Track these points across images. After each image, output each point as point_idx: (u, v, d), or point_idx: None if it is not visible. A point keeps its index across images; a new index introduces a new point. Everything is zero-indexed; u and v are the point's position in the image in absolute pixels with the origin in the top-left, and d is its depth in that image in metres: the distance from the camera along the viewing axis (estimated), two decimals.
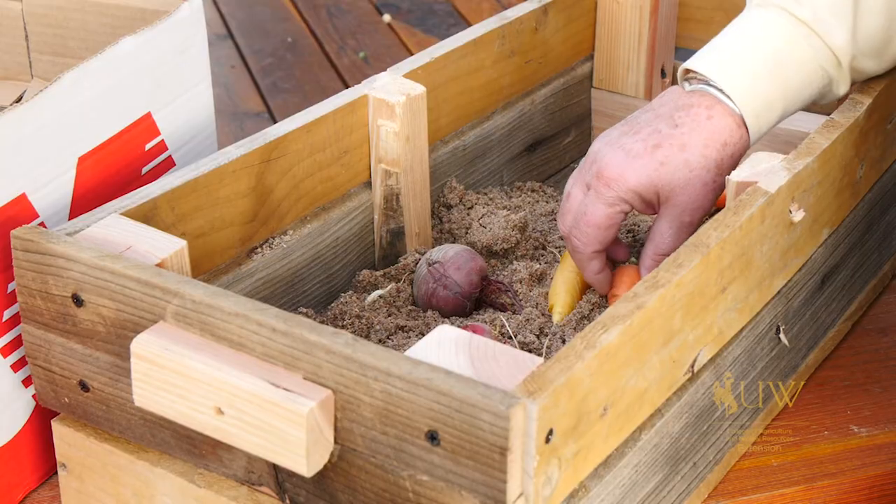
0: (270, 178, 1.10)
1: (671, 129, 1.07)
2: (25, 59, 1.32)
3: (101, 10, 1.24)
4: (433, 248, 1.23)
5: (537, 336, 1.11)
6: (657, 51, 1.46)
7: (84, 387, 0.95)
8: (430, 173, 1.24)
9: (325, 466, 0.85)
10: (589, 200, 1.08)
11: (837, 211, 1.12)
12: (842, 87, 1.13)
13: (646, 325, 0.87)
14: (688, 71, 1.12)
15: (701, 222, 1.10)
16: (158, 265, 0.92)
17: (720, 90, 1.08)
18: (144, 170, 1.12)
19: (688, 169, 1.06)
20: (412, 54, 1.57)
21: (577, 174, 1.11)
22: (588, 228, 1.08)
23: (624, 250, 1.16)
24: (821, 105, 1.17)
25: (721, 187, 1.08)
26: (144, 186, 1.01)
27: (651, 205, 1.08)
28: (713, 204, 1.09)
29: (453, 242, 1.26)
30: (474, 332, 1.04)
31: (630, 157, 1.06)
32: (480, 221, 1.26)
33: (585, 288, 1.15)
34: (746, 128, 1.08)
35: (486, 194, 1.33)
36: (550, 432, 0.79)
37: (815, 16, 1.09)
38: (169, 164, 1.15)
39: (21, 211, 0.99)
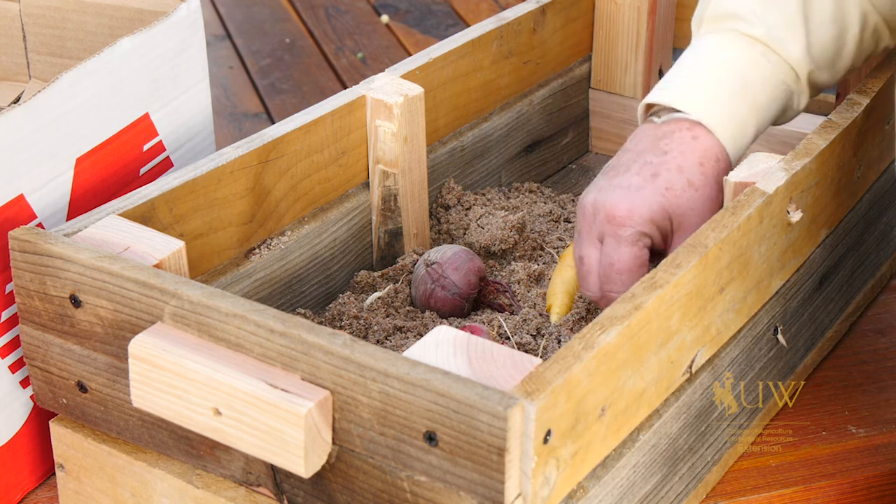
0: (268, 178, 1.10)
1: (661, 157, 1.04)
2: (23, 59, 1.32)
3: (99, 11, 1.24)
4: (431, 248, 1.23)
5: (534, 336, 1.11)
6: (655, 51, 1.46)
7: (82, 388, 0.95)
8: (428, 174, 1.24)
9: (323, 467, 0.85)
10: (610, 249, 1.03)
11: (835, 211, 1.12)
12: (802, 101, 1.11)
13: (644, 325, 0.87)
14: (650, 107, 1.09)
15: None
16: (156, 266, 0.92)
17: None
18: (142, 170, 1.12)
19: (693, 189, 1.03)
20: (410, 55, 1.57)
21: (581, 236, 1.06)
22: (622, 276, 1.03)
23: None
24: (788, 119, 1.14)
25: (721, 200, 1.05)
26: (142, 187, 1.01)
27: (665, 235, 1.04)
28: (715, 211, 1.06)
29: (451, 243, 1.26)
30: (472, 332, 1.04)
31: (633, 190, 1.02)
32: (478, 222, 1.26)
33: None
34: (726, 150, 1.06)
35: (484, 195, 1.33)
36: (548, 433, 0.79)
37: (769, 32, 1.08)
38: (167, 165, 1.15)
39: (19, 212, 0.99)
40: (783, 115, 1.12)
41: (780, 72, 1.08)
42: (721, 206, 1.05)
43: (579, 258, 1.06)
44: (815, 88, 1.12)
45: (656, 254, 1.05)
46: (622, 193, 1.03)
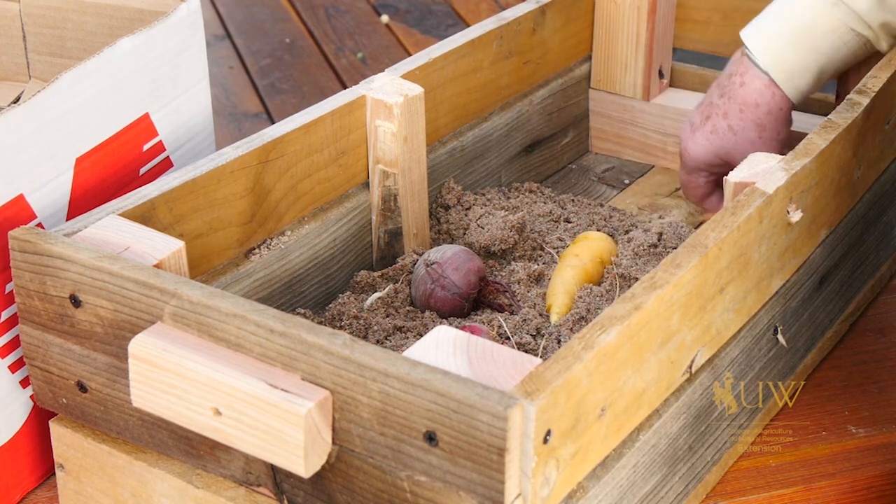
0: (268, 178, 1.10)
1: (718, 99, 1.26)
2: (23, 59, 1.32)
3: (99, 11, 1.24)
4: (431, 248, 1.23)
5: (534, 336, 1.11)
6: (655, 51, 1.46)
7: (82, 387, 0.95)
8: (427, 174, 1.24)
9: (323, 467, 0.85)
10: (681, 174, 1.33)
11: (835, 211, 1.12)
12: (883, 45, 1.22)
13: (644, 325, 0.87)
14: None
15: None
16: (156, 266, 0.92)
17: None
18: (142, 170, 1.12)
19: (732, 133, 1.24)
20: (410, 55, 1.57)
21: None
22: (686, 192, 1.33)
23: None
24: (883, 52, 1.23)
25: (773, 139, 1.24)
26: (142, 187, 1.01)
27: (722, 167, 1.26)
28: (775, 152, 1.23)
29: (451, 243, 1.26)
30: (472, 332, 1.04)
31: (691, 130, 1.28)
32: (478, 222, 1.26)
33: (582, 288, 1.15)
34: (779, 87, 1.22)
35: (483, 195, 1.33)
36: (548, 433, 0.79)
37: None
38: (167, 165, 1.15)
39: (19, 212, 0.99)
40: (865, 55, 1.23)
41: (850, 21, 1.20)
42: (769, 143, 1.23)
43: None
44: None
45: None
46: (687, 131, 1.29)
